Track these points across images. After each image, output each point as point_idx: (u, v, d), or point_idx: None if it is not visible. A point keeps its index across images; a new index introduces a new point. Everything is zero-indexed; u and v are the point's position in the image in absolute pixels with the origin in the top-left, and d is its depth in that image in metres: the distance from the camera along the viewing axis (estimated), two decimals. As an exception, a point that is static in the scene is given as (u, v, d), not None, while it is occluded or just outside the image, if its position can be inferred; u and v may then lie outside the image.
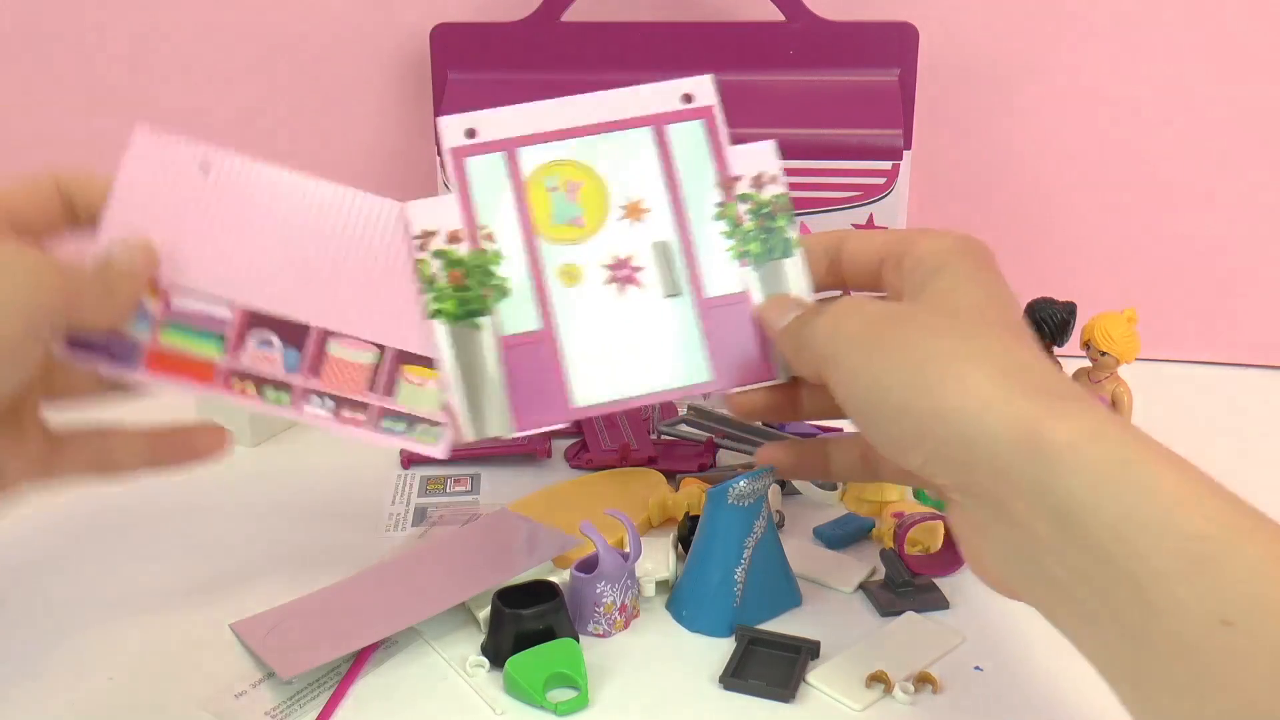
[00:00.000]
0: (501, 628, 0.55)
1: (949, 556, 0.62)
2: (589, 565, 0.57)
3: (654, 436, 0.76)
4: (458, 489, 0.71)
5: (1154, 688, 0.35)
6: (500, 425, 0.50)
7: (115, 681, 0.54)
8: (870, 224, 0.76)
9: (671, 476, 0.71)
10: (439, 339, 0.50)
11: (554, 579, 0.57)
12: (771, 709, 0.52)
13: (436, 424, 0.50)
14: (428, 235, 0.50)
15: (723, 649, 0.56)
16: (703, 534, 0.58)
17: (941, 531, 0.63)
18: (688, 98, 0.52)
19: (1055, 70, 0.85)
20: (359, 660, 0.55)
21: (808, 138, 0.76)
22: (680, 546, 0.62)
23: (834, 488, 0.70)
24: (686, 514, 0.63)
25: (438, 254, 0.50)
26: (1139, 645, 0.35)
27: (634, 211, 0.51)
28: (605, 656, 0.55)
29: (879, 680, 0.53)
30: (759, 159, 0.52)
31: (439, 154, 0.78)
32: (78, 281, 0.45)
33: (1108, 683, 0.38)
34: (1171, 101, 0.85)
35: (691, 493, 0.66)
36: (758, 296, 0.51)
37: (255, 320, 0.50)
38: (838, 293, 0.51)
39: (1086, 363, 0.67)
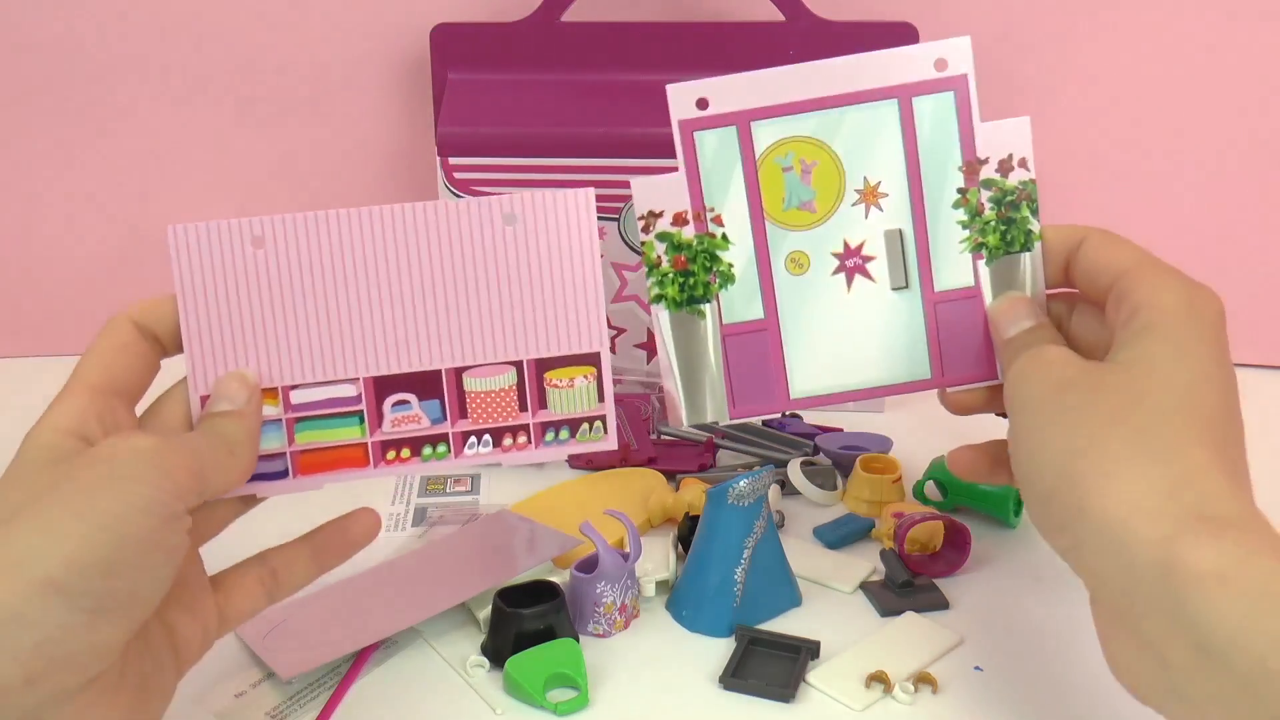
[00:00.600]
0: (501, 628, 0.55)
1: (949, 556, 0.62)
2: (589, 565, 0.57)
3: (654, 436, 0.76)
4: (458, 489, 0.71)
5: None
6: (716, 412, 0.49)
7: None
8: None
9: (671, 476, 0.70)
10: (660, 324, 0.49)
11: (554, 579, 0.57)
12: (771, 709, 0.52)
13: (598, 418, 0.48)
14: (653, 216, 0.48)
15: (723, 649, 0.56)
16: (703, 534, 0.58)
17: (941, 531, 0.63)
18: (941, 63, 0.49)
19: (1055, 70, 0.85)
20: (359, 660, 0.55)
21: (808, 138, 0.76)
22: (680, 546, 0.62)
23: (834, 488, 0.70)
24: (686, 514, 0.63)
25: (662, 236, 0.48)
26: None
27: (870, 196, 0.48)
28: (605, 656, 0.55)
29: (879, 680, 0.53)
30: (1011, 138, 0.49)
31: (439, 155, 0.79)
32: (198, 454, 0.43)
33: None
34: (1172, 102, 0.85)
35: (691, 493, 0.66)
36: (988, 292, 0.49)
37: (382, 385, 0.47)
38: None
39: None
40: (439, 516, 0.68)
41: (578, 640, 0.55)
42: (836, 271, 0.49)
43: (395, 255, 0.47)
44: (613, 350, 0.82)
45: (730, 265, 0.49)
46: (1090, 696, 0.52)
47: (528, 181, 0.79)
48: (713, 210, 0.49)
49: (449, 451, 0.48)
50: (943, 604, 0.59)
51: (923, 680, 0.53)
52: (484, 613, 0.56)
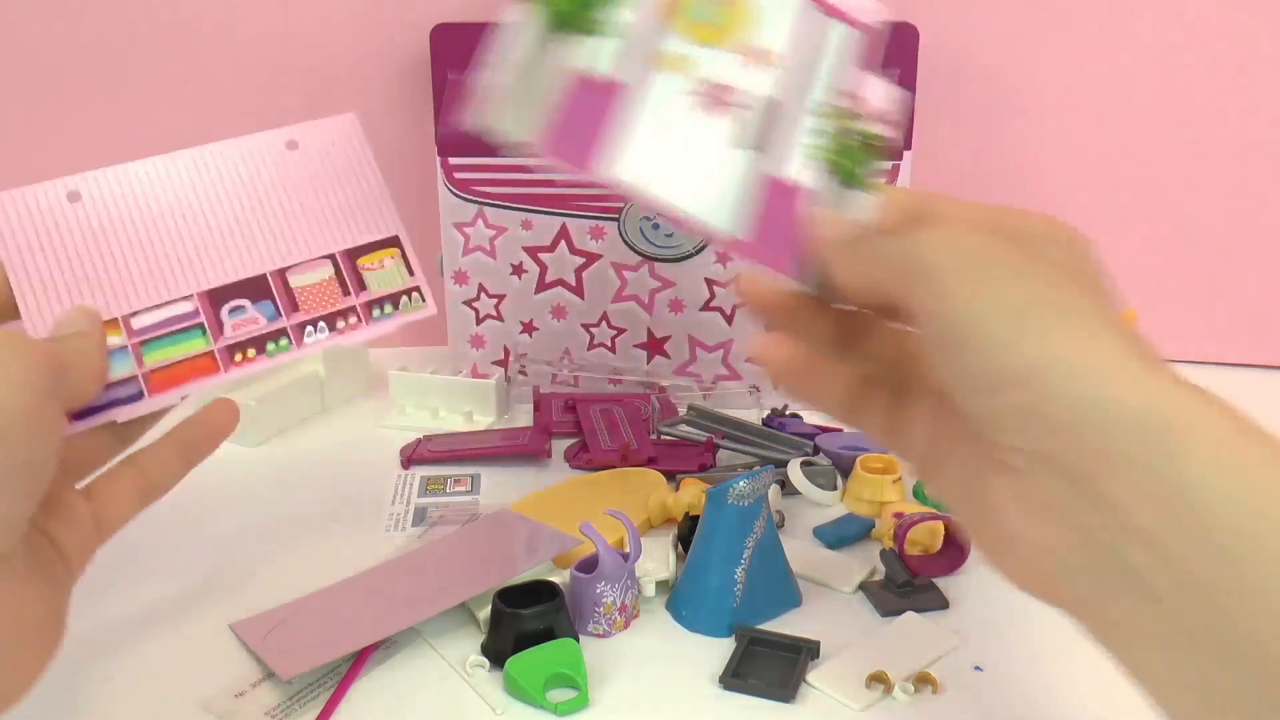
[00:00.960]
0: (501, 628, 0.55)
1: (949, 556, 0.62)
2: (589, 565, 0.57)
3: (654, 436, 0.76)
4: (458, 489, 0.71)
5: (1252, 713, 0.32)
6: (521, 128, 0.48)
7: (115, 681, 0.54)
8: (870, 224, 0.76)
9: (671, 476, 0.70)
10: (524, 28, 0.49)
11: (554, 579, 0.57)
12: (771, 709, 0.52)
13: (414, 289, 0.54)
14: None
15: (723, 649, 0.56)
16: (703, 534, 0.58)
17: (941, 531, 0.63)
18: (864, 11, 0.52)
19: (1055, 70, 0.85)
20: (359, 660, 0.55)
21: (808, 138, 0.76)
22: (680, 546, 0.62)
23: (834, 488, 0.70)
24: (686, 514, 0.63)
25: None
26: (1246, 673, 0.31)
27: (762, 56, 0.50)
28: (605, 656, 0.55)
29: (879, 680, 0.53)
30: (886, 98, 0.51)
31: (439, 155, 0.79)
32: (52, 348, 0.45)
33: (1172, 713, 0.35)
34: (1170, 101, 0.85)
35: (691, 493, 0.66)
36: (815, 203, 0.49)
37: (216, 297, 0.51)
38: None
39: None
40: (439, 516, 0.68)
41: (578, 640, 0.55)
42: (704, 96, 0.49)
43: (204, 190, 0.53)
44: (613, 350, 0.83)
45: (616, 23, 0.48)
46: (1090, 697, 0.53)
47: (528, 180, 0.79)
48: None
49: (290, 343, 0.52)
50: (943, 604, 0.59)
51: (923, 680, 0.53)
52: (484, 613, 0.56)
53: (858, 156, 0.50)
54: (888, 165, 0.48)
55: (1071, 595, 0.37)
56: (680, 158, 0.49)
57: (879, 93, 0.51)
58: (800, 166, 0.50)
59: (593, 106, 0.48)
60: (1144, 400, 0.34)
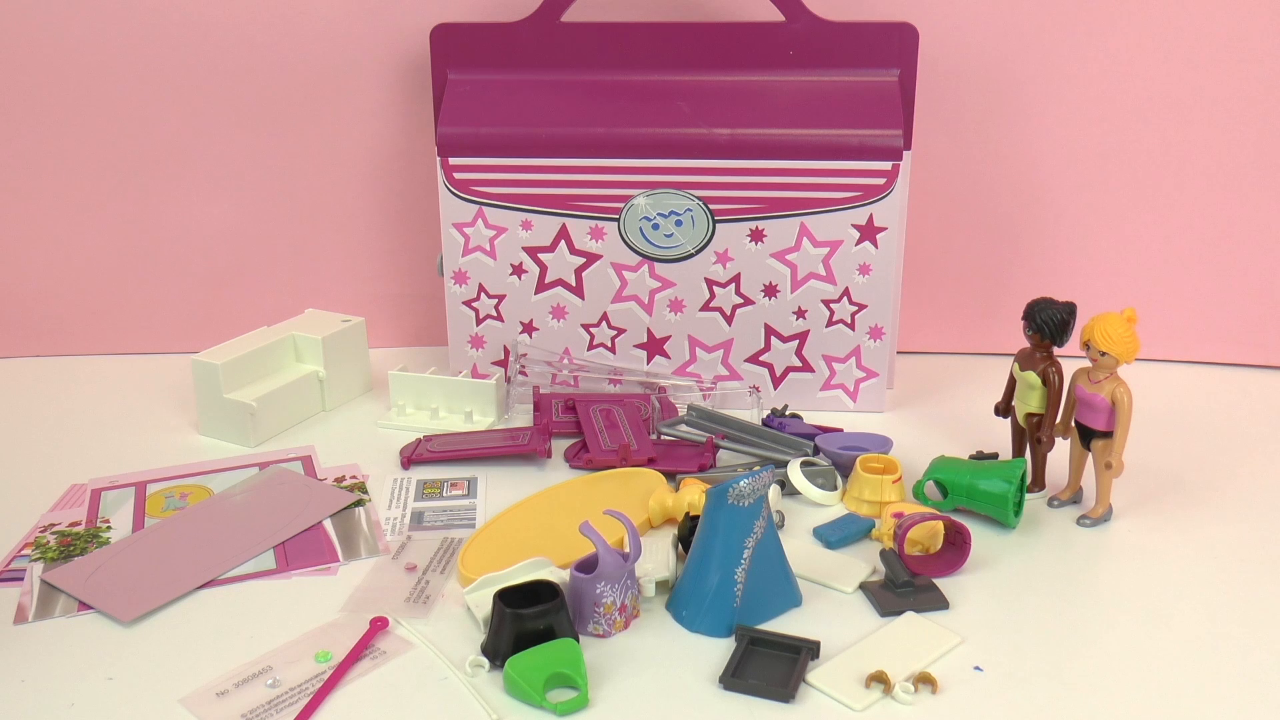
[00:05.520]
0: (501, 628, 0.55)
1: (949, 557, 0.62)
2: (589, 565, 0.57)
3: (654, 436, 0.76)
4: (454, 492, 0.71)
5: None
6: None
7: (103, 679, 0.54)
8: (870, 224, 0.76)
9: (671, 476, 0.70)
10: None
11: (554, 579, 0.57)
12: (771, 709, 0.52)
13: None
14: None
15: (723, 649, 0.56)
16: (703, 534, 0.58)
17: (941, 531, 0.63)
18: None
19: (1055, 70, 0.85)
20: (341, 667, 0.55)
21: (808, 138, 0.76)
22: (680, 546, 0.62)
23: (834, 488, 0.70)
24: (687, 514, 0.63)
25: None
26: None
27: None
28: (605, 656, 0.55)
29: (879, 680, 0.53)
30: None
31: (439, 155, 0.79)
32: None
33: None
34: (1171, 102, 0.85)
35: (691, 493, 0.66)
36: None
37: None
38: None
39: (1086, 363, 0.67)
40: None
41: (578, 640, 0.55)
42: None
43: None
44: (613, 350, 0.83)
45: None
46: (1090, 697, 0.52)
47: (528, 180, 0.79)
48: None
49: None
50: (943, 604, 0.59)
51: (923, 680, 0.53)
52: (484, 613, 0.56)
53: None
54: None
55: None
56: None
57: None
58: None
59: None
60: None
